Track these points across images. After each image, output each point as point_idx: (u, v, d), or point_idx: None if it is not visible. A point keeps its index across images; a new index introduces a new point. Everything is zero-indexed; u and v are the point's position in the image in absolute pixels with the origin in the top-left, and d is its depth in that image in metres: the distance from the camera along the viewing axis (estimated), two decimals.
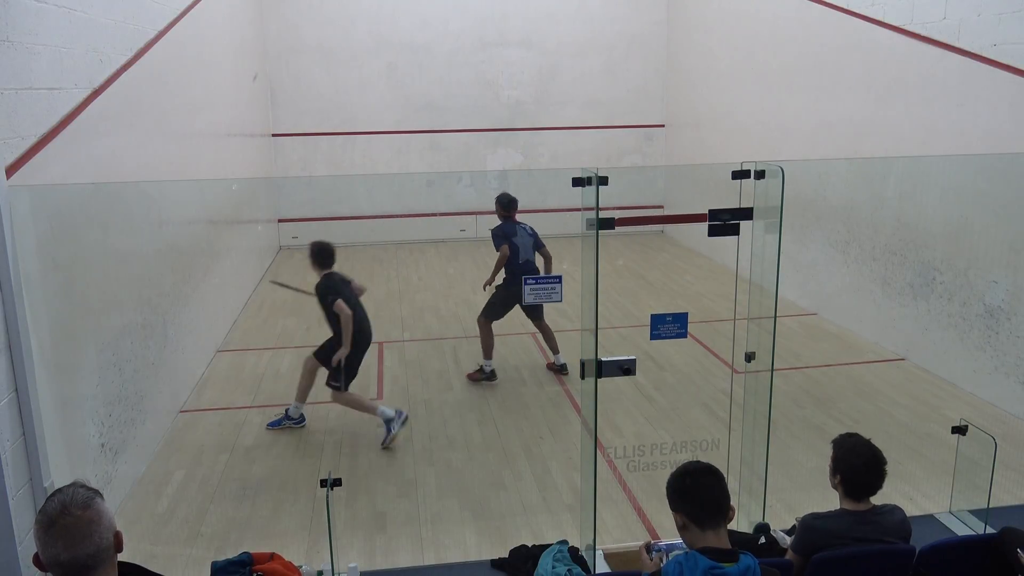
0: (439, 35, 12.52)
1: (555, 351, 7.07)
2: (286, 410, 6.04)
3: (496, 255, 6.82)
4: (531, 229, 6.94)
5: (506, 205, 6.91)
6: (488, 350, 6.89)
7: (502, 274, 6.88)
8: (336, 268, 5.87)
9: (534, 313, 7.01)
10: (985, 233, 6.15)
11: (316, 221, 12.34)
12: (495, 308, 6.93)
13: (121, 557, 2.19)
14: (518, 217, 6.99)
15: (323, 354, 5.86)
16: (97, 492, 2.15)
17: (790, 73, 9.15)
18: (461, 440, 5.78)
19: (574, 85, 12.96)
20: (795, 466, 5.08)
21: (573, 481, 5.06)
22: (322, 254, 5.78)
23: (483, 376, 6.84)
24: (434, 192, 12.91)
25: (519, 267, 6.76)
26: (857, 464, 3.05)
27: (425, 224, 12.60)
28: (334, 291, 5.66)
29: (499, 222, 6.94)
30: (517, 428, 5.94)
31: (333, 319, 5.70)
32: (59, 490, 2.13)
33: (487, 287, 6.97)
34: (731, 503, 2.53)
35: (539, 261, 6.96)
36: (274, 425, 6.00)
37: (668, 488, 2.59)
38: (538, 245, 6.93)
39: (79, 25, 4.77)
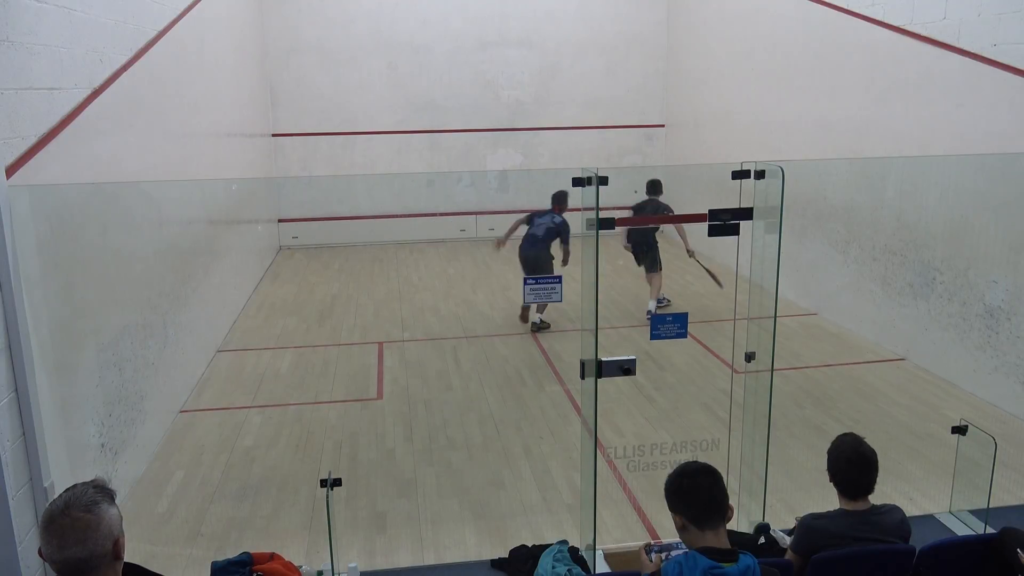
0: (439, 35, 12.52)
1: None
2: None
3: None
4: (555, 221, 8.07)
5: (554, 199, 8.22)
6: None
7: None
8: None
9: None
10: (985, 233, 6.15)
11: (316, 221, 12.34)
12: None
13: None
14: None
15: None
16: (108, 495, 2.13)
17: (790, 73, 9.15)
18: (461, 440, 5.78)
19: (574, 85, 12.96)
20: (795, 466, 5.09)
21: (573, 481, 5.06)
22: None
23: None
24: (434, 192, 12.90)
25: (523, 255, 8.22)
26: (841, 461, 3.06)
27: (425, 224, 12.61)
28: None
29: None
30: (517, 428, 5.94)
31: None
32: (72, 486, 2.12)
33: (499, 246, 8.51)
34: (729, 502, 2.54)
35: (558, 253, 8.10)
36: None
37: (666, 490, 2.59)
38: (553, 236, 8.10)
39: (79, 25, 4.77)
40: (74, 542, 2.02)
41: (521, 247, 8.30)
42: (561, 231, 8.08)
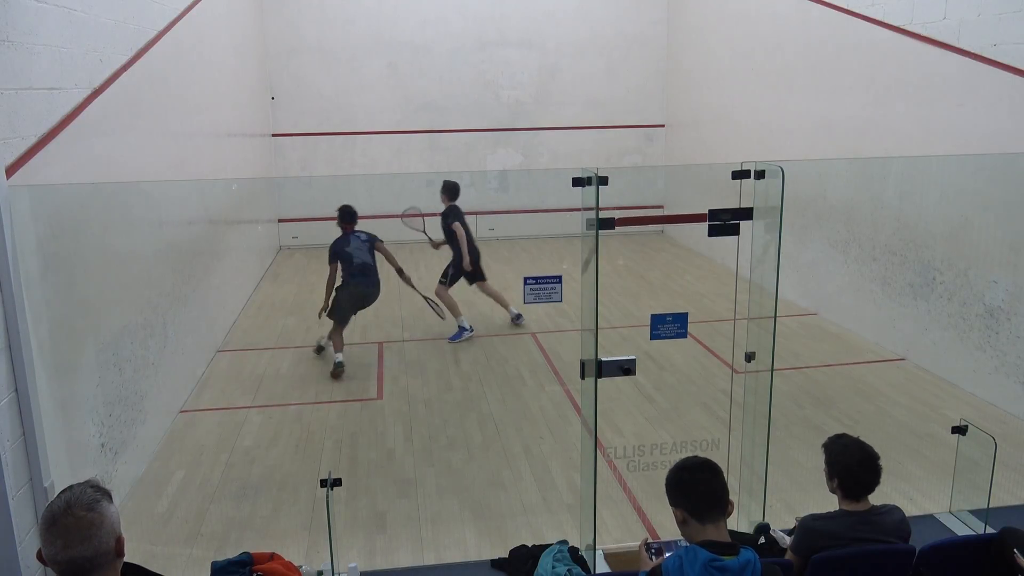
0: (439, 35, 12.52)
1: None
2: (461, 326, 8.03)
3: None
4: (365, 235, 7.59)
5: (342, 217, 7.64)
6: (338, 346, 7.20)
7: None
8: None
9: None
10: (985, 233, 6.15)
11: (316, 221, 12.31)
12: (339, 311, 7.28)
13: None
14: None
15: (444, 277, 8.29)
16: (106, 494, 2.13)
17: (790, 73, 9.15)
18: (461, 440, 5.78)
19: (574, 85, 12.96)
20: (795, 466, 5.09)
21: (573, 481, 5.06)
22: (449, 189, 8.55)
23: (336, 368, 7.03)
24: (434, 192, 12.93)
25: (355, 269, 7.35)
26: (851, 464, 3.06)
27: (425, 224, 12.58)
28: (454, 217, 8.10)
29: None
30: (517, 428, 5.94)
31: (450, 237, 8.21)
32: (69, 487, 2.12)
33: (321, 315, 7.36)
34: (729, 497, 2.54)
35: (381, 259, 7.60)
36: (455, 339, 7.91)
37: (667, 484, 2.59)
38: (372, 247, 7.58)
39: (79, 25, 4.77)
40: (79, 541, 2.02)
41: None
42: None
